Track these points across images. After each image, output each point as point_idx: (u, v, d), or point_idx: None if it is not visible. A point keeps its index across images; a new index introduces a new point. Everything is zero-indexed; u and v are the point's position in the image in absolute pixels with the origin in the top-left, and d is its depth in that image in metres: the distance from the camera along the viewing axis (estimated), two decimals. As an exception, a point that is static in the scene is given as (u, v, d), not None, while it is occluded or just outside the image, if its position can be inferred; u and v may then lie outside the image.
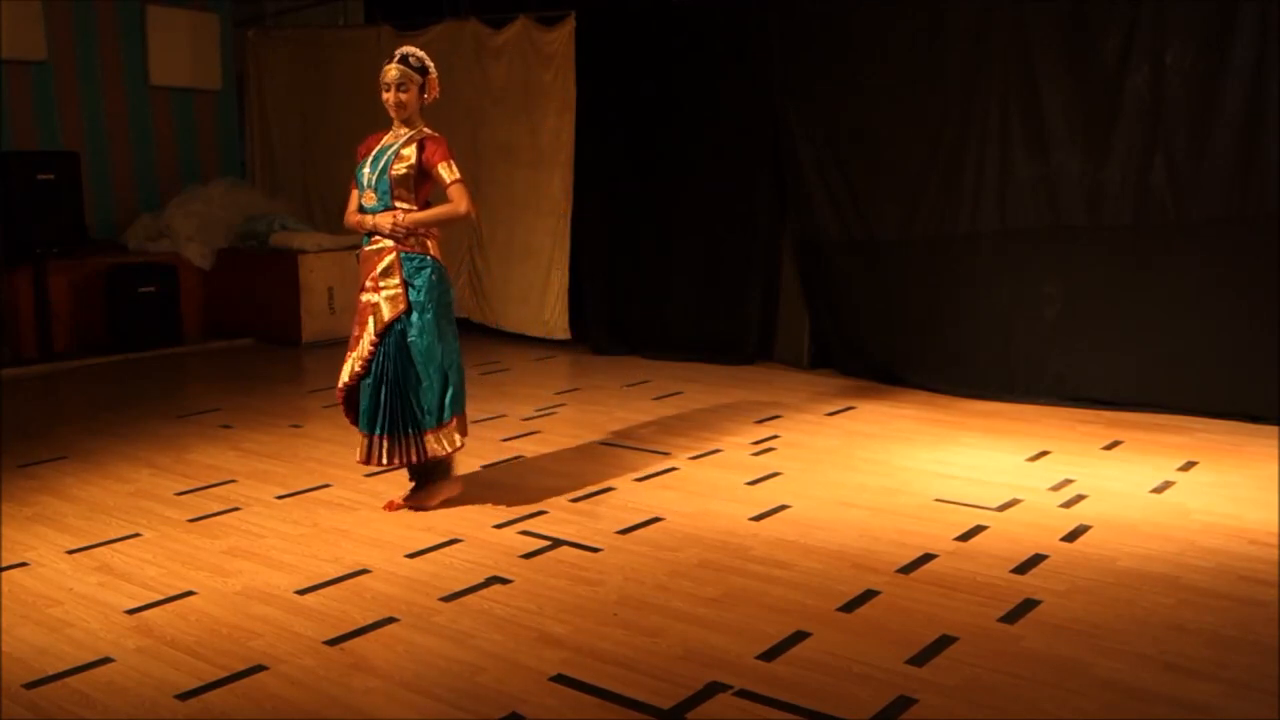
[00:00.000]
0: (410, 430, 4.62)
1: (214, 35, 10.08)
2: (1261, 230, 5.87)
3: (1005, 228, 6.62)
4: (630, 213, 8.30)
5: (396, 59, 4.60)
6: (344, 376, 4.70)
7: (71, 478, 5.36)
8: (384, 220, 4.58)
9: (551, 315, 8.65)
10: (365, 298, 4.64)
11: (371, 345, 4.58)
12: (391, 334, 4.58)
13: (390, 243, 4.59)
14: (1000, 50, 6.56)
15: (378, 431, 4.61)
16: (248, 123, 10.27)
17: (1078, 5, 6.30)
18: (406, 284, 4.58)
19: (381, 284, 4.59)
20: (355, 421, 4.74)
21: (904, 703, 3.07)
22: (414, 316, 4.58)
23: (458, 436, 4.72)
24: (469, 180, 4.78)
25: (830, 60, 7.26)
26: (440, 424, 4.65)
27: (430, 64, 4.66)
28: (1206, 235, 6.05)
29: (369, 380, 4.61)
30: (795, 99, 7.39)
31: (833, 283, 7.42)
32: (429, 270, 4.61)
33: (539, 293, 8.71)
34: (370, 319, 4.60)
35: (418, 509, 4.76)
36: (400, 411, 4.60)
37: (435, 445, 4.66)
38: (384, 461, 4.65)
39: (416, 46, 4.76)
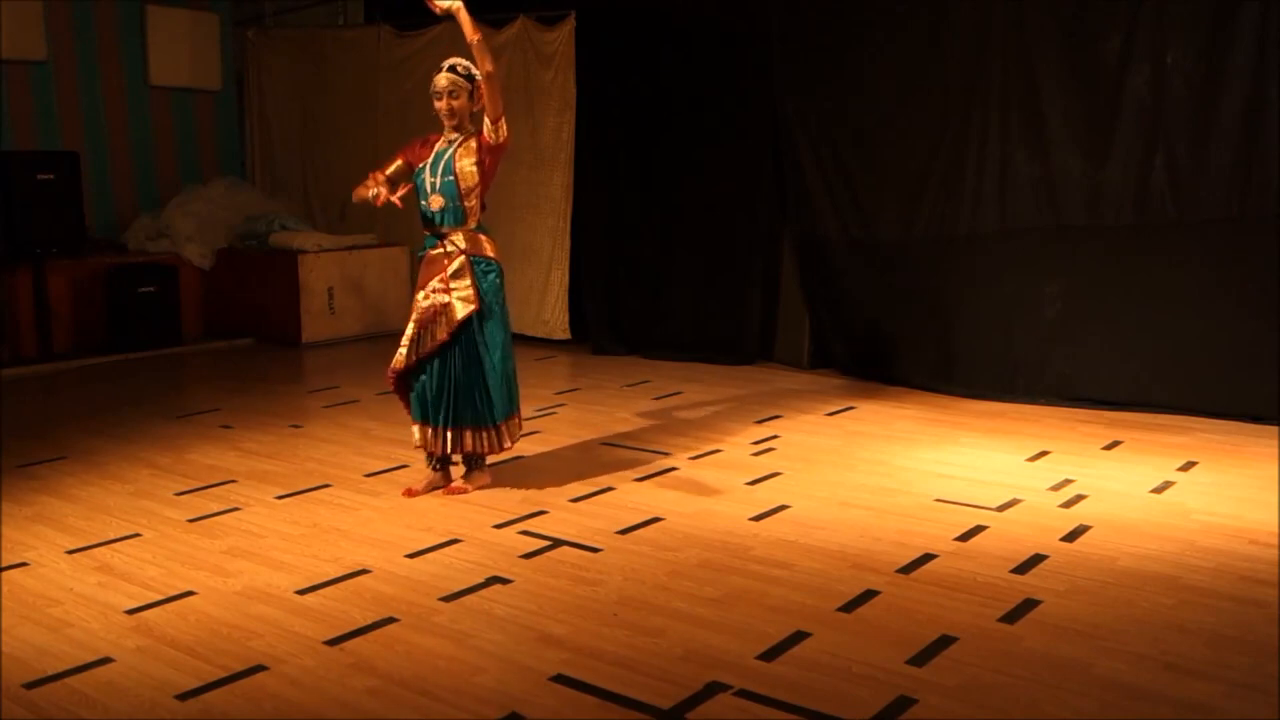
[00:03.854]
0: (479, 423, 4.90)
1: (214, 35, 10.07)
2: (1261, 230, 5.86)
3: (1006, 227, 6.62)
4: (630, 212, 8.30)
5: (445, 68, 4.80)
6: (398, 362, 4.92)
7: (71, 478, 5.36)
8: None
9: (551, 315, 8.65)
10: (433, 299, 4.84)
11: (436, 342, 4.82)
12: (464, 332, 4.83)
13: (462, 246, 4.82)
14: (1000, 50, 6.55)
15: (439, 424, 4.89)
16: (248, 123, 10.27)
17: (1078, 5, 6.30)
18: (477, 287, 4.83)
19: (453, 285, 4.82)
20: (408, 406, 5.00)
21: (904, 703, 3.07)
22: (484, 318, 4.85)
23: (516, 430, 5.05)
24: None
25: (830, 60, 7.25)
26: (509, 416, 4.95)
27: (476, 70, 4.78)
28: (1207, 235, 6.05)
29: (435, 375, 4.86)
30: (795, 99, 7.39)
31: (833, 282, 7.41)
32: (494, 274, 4.92)
33: (539, 293, 8.70)
34: (440, 318, 4.82)
35: (459, 493, 5.00)
36: (466, 406, 4.86)
37: (506, 437, 4.98)
38: (445, 450, 4.95)
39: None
